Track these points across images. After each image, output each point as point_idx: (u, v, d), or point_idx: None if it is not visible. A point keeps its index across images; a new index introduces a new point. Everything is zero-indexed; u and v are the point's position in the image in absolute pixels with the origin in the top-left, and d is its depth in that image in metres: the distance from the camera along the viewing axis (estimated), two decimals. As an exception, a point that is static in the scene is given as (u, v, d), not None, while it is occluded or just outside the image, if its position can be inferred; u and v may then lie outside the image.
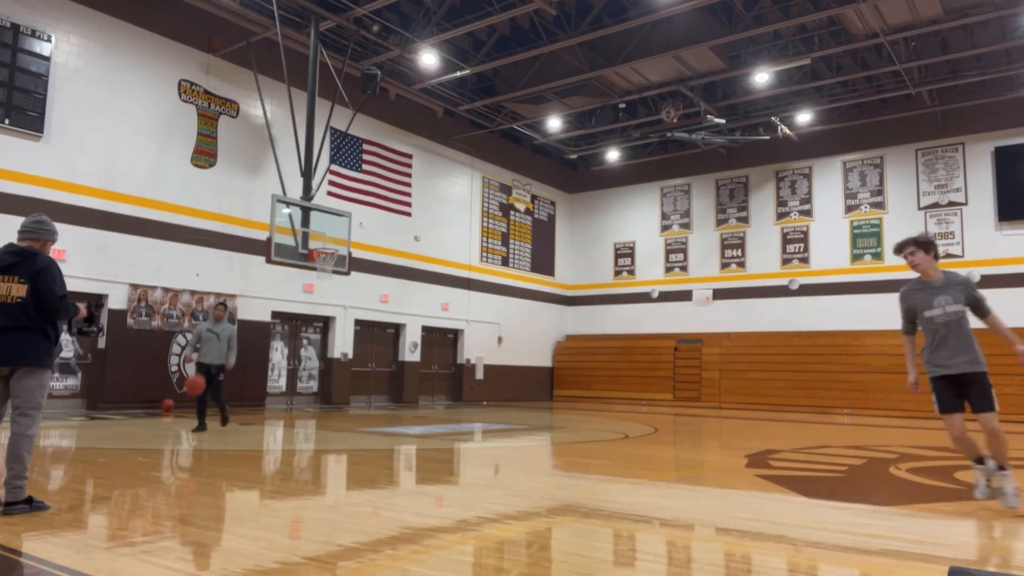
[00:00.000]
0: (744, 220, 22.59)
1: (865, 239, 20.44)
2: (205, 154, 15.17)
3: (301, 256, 14.70)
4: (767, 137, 19.97)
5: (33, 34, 12.72)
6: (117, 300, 13.61)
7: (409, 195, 19.74)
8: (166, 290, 14.30)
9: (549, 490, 6.04)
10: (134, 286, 13.85)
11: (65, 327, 4.94)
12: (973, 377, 5.38)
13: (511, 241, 23.38)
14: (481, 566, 3.61)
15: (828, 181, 21.26)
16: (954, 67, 17.69)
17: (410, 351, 19.65)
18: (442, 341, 21.21)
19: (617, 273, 24.85)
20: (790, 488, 6.29)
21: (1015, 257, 18.32)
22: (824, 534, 4.43)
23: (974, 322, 5.70)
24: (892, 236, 20.07)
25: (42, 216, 4.84)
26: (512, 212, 23.52)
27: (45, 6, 12.93)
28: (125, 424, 11.18)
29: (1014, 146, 18.57)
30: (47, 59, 12.85)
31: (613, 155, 23.61)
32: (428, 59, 16.42)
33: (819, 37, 16.47)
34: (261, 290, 15.95)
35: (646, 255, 24.27)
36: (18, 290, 4.50)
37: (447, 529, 4.37)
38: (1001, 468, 5.23)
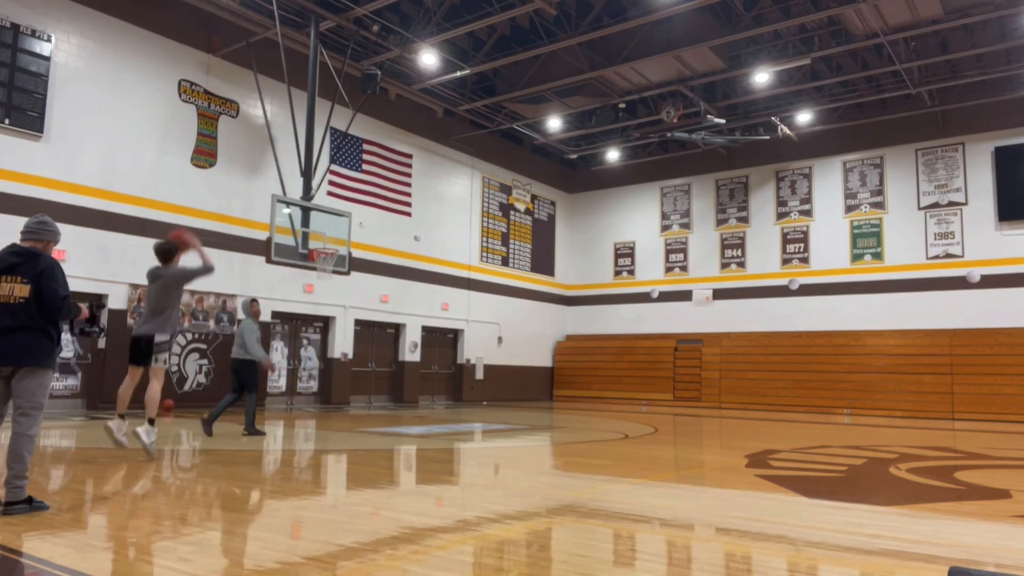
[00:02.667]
0: (744, 220, 22.59)
1: (865, 239, 20.44)
2: (205, 154, 15.18)
3: (301, 256, 14.70)
4: (767, 137, 19.97)
5: (33, 34, 12.72)
6: (117, 300, 13.61)
7: (409, 195, 19.74)
8: (166, 290, 14.28)
9: (549, 490, 6.04)
10: (134, 286, 13.85)
11: (67, 328, 4.94)
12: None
13: (511, 241, 23.38)
14: (481, 566, 3.62)
15: (828, 181, 21.26)
16: (954, 67, 17.69)
17: (410, 351, 19.65)
18: (442, 341, 21.21)
19: (617, 273, 24.85)
20: (790, 488, 6.29)
21: (1015, 257, 18.32)
22: (824, 534, 4.43)
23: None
24: (892, 236, 20.08)
25: (44, 217, 4.84)
26: (512, 212, 23.52)
27: (45, 6, 12.93)
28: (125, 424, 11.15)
29: (1014, 146, 18.57)
30: (47, 59, 12.85)
31: (613, 155, 23.61)
32: (428, 59, 16.42)
33: (819, 37, 16.47)
34: (261, 290, 15.94)
35: (646, 255, 24.27)
36: (21, 290, 4.50)
37: (447, 529, 4.37)
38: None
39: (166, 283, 7.28)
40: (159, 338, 7.10)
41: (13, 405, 4.52)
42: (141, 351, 7.15)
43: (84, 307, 4.88)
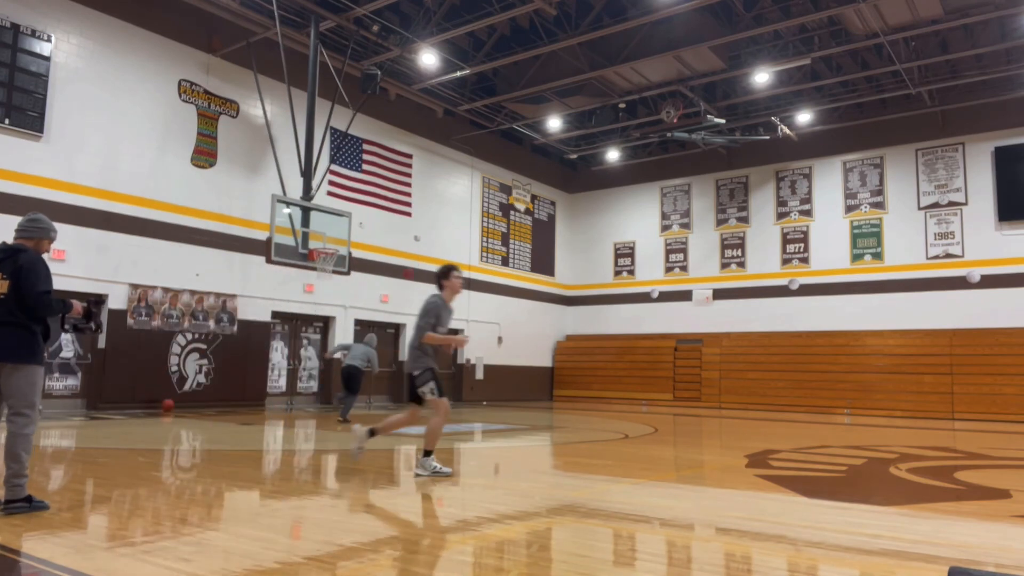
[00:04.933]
0: (744, 220, 22.59)
1: (865, 239, 20.44)
2: (205, 154, 15.18)
3: (301, 256, 14.70)
4: (767, 137, 19.97)
5: (33, 34, 12.72)
6: (117, 300, 13.61)
7: (409, 195, 19.74)
8: (166, 290, 14.30)
9: (549, 490, 6.04)
10: (134, 286, 13.86)
11: (59, 324, 4.92)
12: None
13: (511, 241, 23.38)
14: (481, 566, 3.61)
15: (828, 181, 21.26)
16: (954, 67, 17.69)
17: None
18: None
19: (617, 273, 24.85)
20: (790, 488, 6.29)
21: (1015, 257, 18.31)
22: (824, 534, 4.43)
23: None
24: (892, 236, 20.07)
25: (37, 215, 4.84)
26: (512, 212, 23.52)
27: (45, 6, 12.93)
28: (125, 424, 11.18)
29: (1014, 146, 18.57)
30: (47, 59, 12.85)
31: (613, 155, 23.61)
32: (428, 59, 16.42)
33: (819, 37, 16.46)
34: (261, 290, 15.95)
35: (646, 255, 24.26)
36: (0, 286, 4.51)
37: (447, 529, 4.37)
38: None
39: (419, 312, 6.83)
40: (414, 372, 6.66)
41: (6, 405, 4.51)
42: (411, 389, 6.74)
43: (78, 304, 4.82)
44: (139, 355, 13.86)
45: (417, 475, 6.49)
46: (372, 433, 6.74)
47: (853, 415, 18.81)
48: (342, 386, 13.19)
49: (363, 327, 18.60)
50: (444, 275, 6.96)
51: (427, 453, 6.52)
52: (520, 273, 23.67)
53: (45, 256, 4.82)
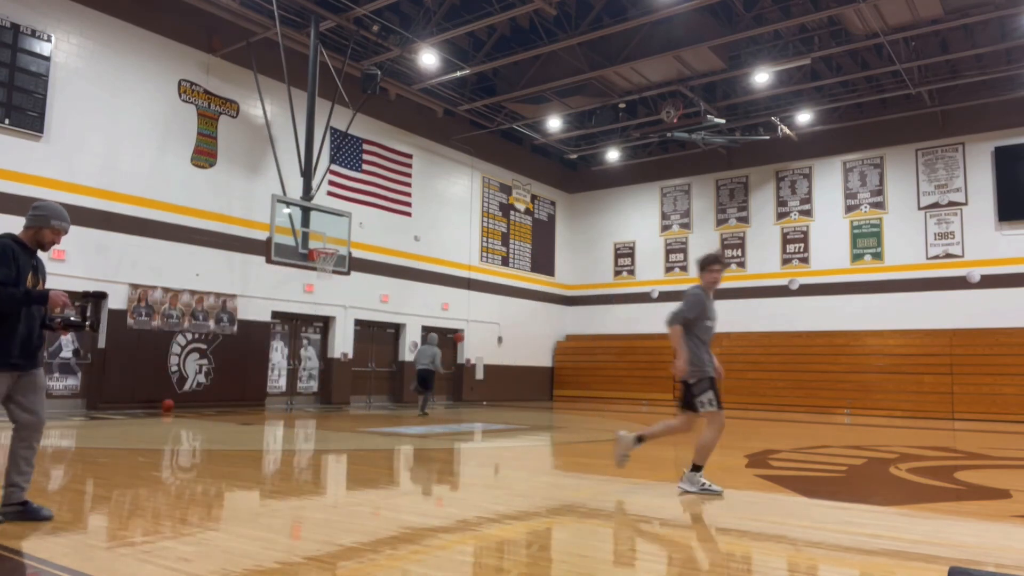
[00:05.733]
0: (744, 220, 22.59)
1: (865, 239, 20.44)
2: (205, 154, 15.18)
3: (301, 256, 14.71)
4: (767, 137, 19.96)
5: (33, 34, 12.72)
6: (117, 300, 13.61)
7: (409, 195, 19.74)
8: (166, 290, 14.30)
9: (549, 490, 6.04)
10: (134, 286, 13.85)
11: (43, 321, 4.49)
12: None
13: (511, 241, 23.38)
14: (481, 566, 3.61)
15: (828, 181, 21.26)
16: (954, 67, 17.69)
17: (410, 351, 19.64)
18: (442, 341, 21.16)
19: (617, 273, 24.85)
20: (790, 488, 6.29)
21: (1015, 257, 18.31)
22: (824, 534, 4.43)
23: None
24: (892, 236, 20.07)
25: (40, 202, 4.58)
26: (512, 212, 23.52)
27: (45, 6, 12.93)
28: (125, 424, 11.18)
29: (1014, 146, 18.56)
30: (47, 59, 12.85)
31: (613, 155, 23.61)
32: (428, 59, 16.43)
33: (819, 37, 16.46)
34: (261, 290, 15.95)
35: (646, 255, 24.26)
36: None
37: (447, 529, 4.37)
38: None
39: None
40: (691, 380, 5.95)
41: None
42: (685, 397, 6.08)
43: (58, 295, 4.26)
44: (139, 355, 13.85)
45: (683, 491, 5.88)
46: (640, 440, 6.19)
47: (853, 415, 18.81)
48: (418, 385, 15.42)
49: (363, 327, 18.62)
50: (703, 266, 6.21)
51: (696, 468, 5.95)
52: (520, 273, 23.67)
53: (54, 248, 4.43)
